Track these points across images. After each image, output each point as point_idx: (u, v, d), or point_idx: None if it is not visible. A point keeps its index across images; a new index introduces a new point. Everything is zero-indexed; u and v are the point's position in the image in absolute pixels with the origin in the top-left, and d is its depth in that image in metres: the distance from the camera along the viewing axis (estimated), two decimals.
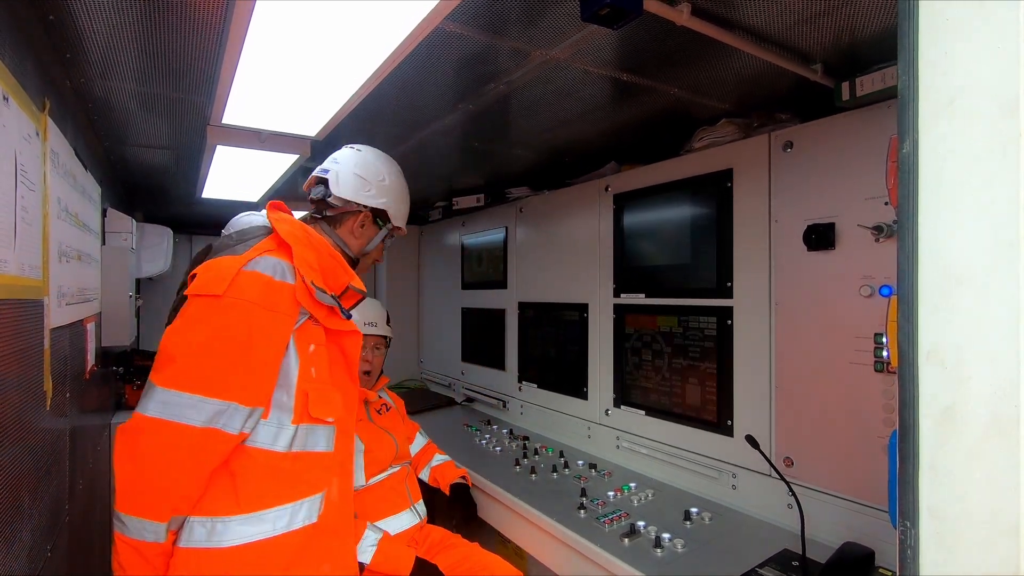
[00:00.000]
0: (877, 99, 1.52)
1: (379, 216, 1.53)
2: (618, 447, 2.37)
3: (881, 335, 1.50)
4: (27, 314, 1.13)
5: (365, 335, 2.18)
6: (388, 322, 2.29)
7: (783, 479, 1.56)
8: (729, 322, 1.91)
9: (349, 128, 2.12)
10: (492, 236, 3.30)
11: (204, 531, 1.12)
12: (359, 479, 2.01)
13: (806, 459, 1.68)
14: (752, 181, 1.85)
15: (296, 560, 1.19)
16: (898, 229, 0.67)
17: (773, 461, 1.75)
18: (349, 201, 1.48)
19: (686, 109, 1.98)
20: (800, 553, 1.49)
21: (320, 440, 1.25)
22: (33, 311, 1.18)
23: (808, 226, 1.66)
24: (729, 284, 1.91)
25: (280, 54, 1.34)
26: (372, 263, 1.62)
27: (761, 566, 1.51)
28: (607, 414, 2.43)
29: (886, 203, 1.49)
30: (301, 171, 2.79)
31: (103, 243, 2.41)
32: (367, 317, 2.21)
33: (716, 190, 1.96)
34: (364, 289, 1.42)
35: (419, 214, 4.26)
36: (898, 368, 0.68)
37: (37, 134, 1.22)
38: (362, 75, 1.45)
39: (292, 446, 1.19)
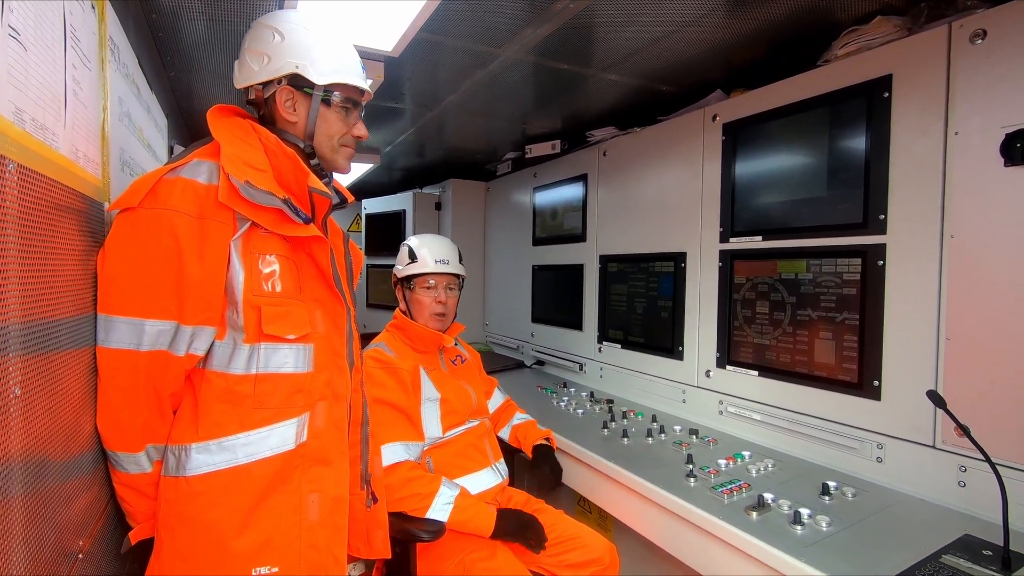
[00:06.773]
0: None
1: (299, 82, 1.17)
2: (721, 412, 2.09)
3: None
4: (87, 212, 0.97)
5: (436, 274, 1.98)
6: (460, 260, 2.07)
7: (982, 452, 1.22)
8: (880, 262, 1.57)
9: (414, 55, 1.90)
10: (569, 185, 3.02)
11: (174, 460, 1.05)
12: (435, 430, 1.83)
13: (991, 427, 1.35)
14: (920, 87, 1.49)
15: (269, 490, 1.09)
16: None
17: (942, 429, 1.44)
18: (256, 86, 1.20)
19: (826, 8, 1.64)
20: (994, 541, 1.19)
21: (287, 360, 1.12)
22: (94, 213, 1.02)
23: (1008, 135, 1.31)
24: (882, 217, 1.57)
25: None
26: (341, 146, 1.23)
27: (938, 555, 1.22)
28: (708, 376, 2.14)
29: None
30: (369, 109, 2.59)
31: None
32: (437, 254, 2.00)
33: (866, 104, 1.61)
34: (326, 190, 1.16)
35: (485, 168, 4.03)
36: None
37: (92, 7, 1.05)
38: None
39: (250, 368, 1.08)
